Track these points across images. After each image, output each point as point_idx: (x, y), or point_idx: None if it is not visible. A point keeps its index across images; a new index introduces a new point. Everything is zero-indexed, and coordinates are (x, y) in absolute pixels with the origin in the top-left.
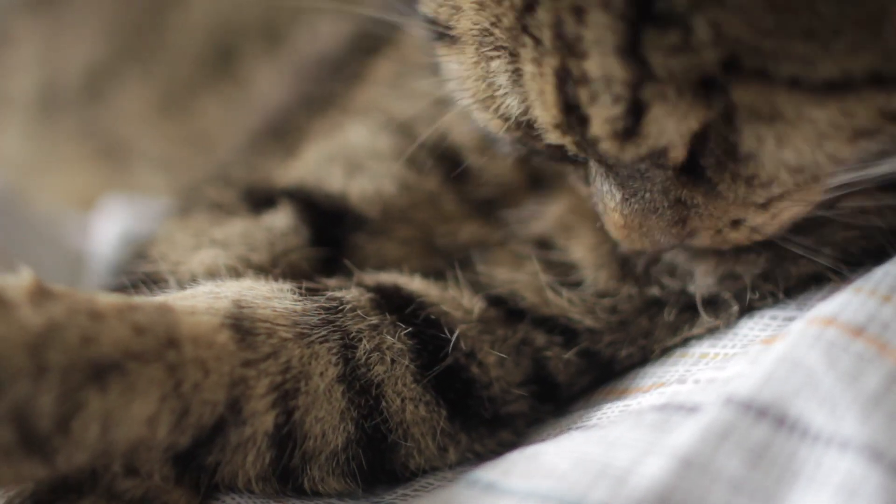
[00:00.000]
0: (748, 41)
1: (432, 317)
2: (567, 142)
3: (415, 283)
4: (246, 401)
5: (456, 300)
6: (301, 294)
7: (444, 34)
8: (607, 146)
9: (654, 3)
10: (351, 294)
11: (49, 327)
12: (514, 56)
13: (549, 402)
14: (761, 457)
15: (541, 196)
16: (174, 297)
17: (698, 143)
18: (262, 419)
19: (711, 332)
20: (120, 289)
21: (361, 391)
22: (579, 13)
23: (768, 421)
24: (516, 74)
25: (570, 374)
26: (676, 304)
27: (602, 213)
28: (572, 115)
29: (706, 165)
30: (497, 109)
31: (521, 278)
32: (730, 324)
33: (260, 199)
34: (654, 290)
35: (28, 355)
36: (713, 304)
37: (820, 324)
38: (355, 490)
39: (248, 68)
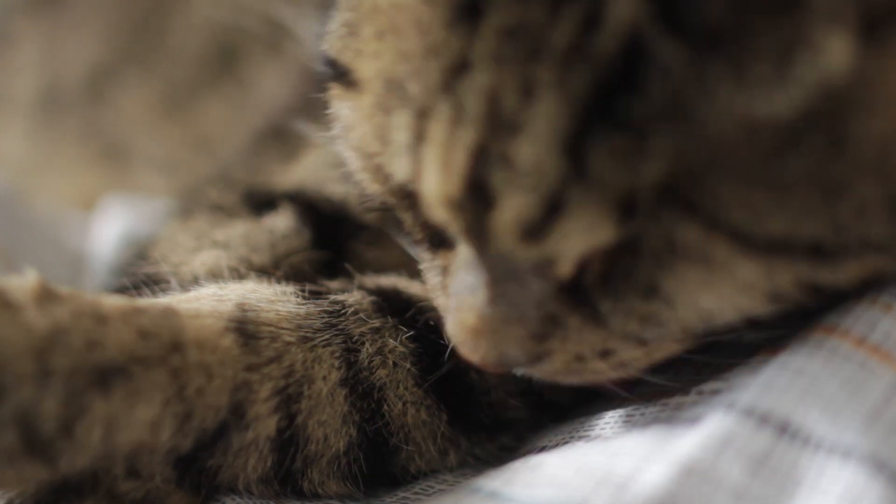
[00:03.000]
0: (701, 173)
1: (431, 322)
2: (454, 222)
3: (414, 287)
4: (249, 405)
5: None
6: (304, 297)
7: (342, 75)
8: (504, 239)
9: (614, 101)
10: (353, 297)
11: (54, 331)
12: (422, 115)
13: (547, 410)
14: (763, 465)
15: None
16: (178, 300)
17: (593, 263)
18: (264, 423)
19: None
20: (121, 290)
21: (364, 395)
22: (526, 91)
23: (770, 429)
24: (418, 136)
25: (560, 392)
26: None
27: (451, 308)
28: (476, 195)
29: (598, 292)
30: (379, 168)
31: None
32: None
33: (261, 202)
34: None
35: (33, 359)
36: None
37: (822, 332)
38: (355, 492)
39: (250, 69)
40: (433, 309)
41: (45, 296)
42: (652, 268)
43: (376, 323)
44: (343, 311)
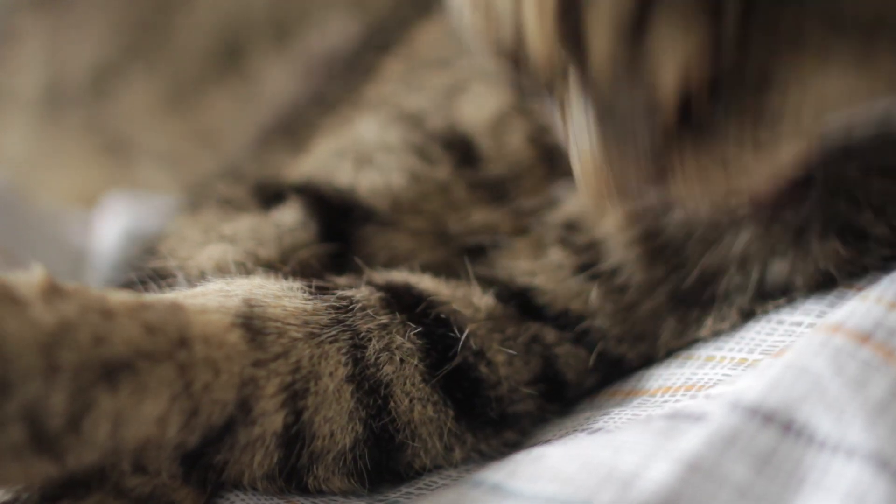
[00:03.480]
0: None
1: (442, 315)
2: (557, 57)
3: (425, 282)
4: (255, 401)
5: (466, 298)
6: (311, 293)
7: None
8: (601, 57)
9: None
10: (361, 293)
11: (61, 326)
12: None
13: (556, 401)
14: (767, 462)
15: (558, 175)
16: (185, 295)
17: (693, 77)
18: (271, 419)
19: (717, 334)
20: (128, 284)
21: (370, 391)
22: None
23: (774, 426)
24: None
25: (579, 371)
26: (695, 302)
27: (574, 153)
28: (569, 20)
29: (707, 105)
30: (492, 31)
31: (541, 269)
32: (736, 326)
33: (269, 195)
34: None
35: (40, 354)
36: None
37: (826, 331)
38: (359, 489)
39: (256, 65)
40: (444, 303)
41: (52, 291)
42: (763, 57)
43: (384, 319)
44: (350, 307)
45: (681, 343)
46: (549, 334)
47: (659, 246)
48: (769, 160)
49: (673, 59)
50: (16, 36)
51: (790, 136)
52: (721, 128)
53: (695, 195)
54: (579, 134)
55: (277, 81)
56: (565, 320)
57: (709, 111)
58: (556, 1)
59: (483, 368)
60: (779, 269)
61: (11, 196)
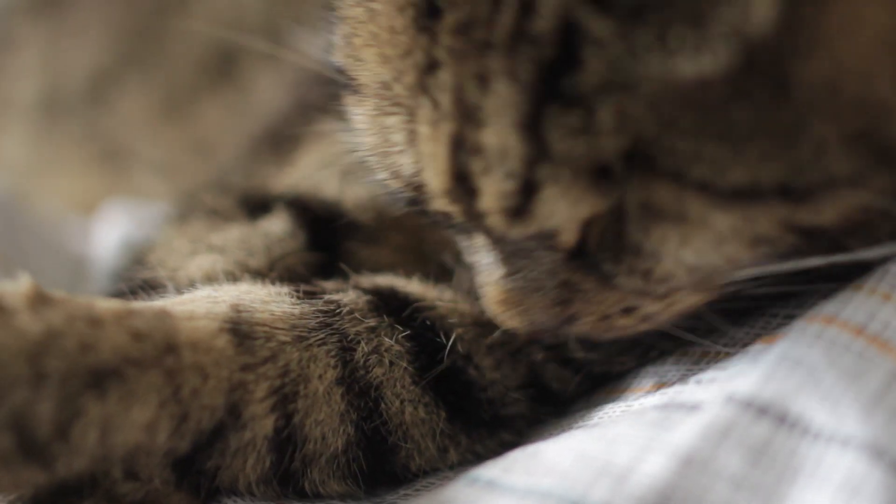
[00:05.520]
0: (655, 135)
1: (428, 322)
2: (454, 210)
3: (411, 286)
4: (245, 405)
5: (453, 303)
6: (299, 297)
7: (349, 83)
8: (495, 221)
9: (560, 81)
10: (348, 297)
11: (48, 334)
12: (411, 115)
13: (548, 404)
14: (762, 454)
15: None
16: (173, 302)
17: (592, 230)
18: (261, 423)
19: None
20: (118, 295)
21: (360, 393)
22: (483, 81)
23: (769, 419)
24: (412, 134)
25: (566, 384)
26: None
27: (481, 286)
28: (462, 185)
29: (601, 255)
30: (391, 166)
31: None
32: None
33: (256, 206)
34: None
35: (27, 362)
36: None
37: (820, 322)
38: (357, 491)
39: (249, 74)
40: (430, 308)
41: (39, 300)
42: (636, 229)
43: (372, 322)
44: (338, 311)
45: (675, 346)
46: (537, 353)
47: None
48: (668, 309)
49: (563, 221)
50: (13, 43)
51: (687, 292)
52: (616, 279)
53: (590, 330)
54: (485, 268)
55: (269, 91)
56: (545, 343)
57: (603, 264)
58: (450, 169)
59: (472, 372)
60: None
61: (11, 202)
